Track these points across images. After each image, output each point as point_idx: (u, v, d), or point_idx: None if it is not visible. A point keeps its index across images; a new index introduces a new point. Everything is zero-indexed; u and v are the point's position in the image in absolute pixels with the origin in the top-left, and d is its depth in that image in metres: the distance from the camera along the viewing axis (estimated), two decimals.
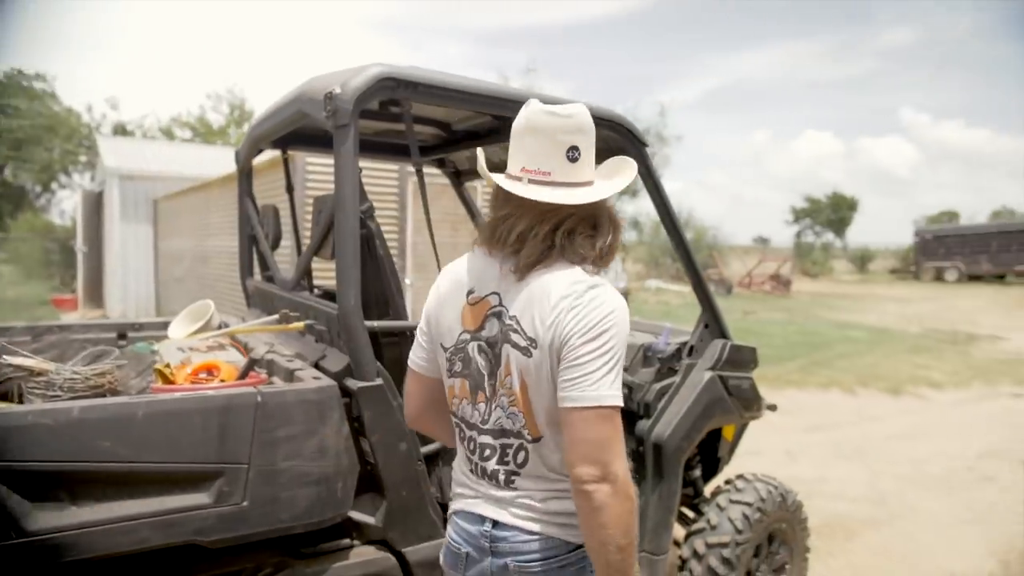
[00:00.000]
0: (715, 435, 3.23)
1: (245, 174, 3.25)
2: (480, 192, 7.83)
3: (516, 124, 1.51)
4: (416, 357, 1.68)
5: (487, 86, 2.26)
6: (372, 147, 3.30)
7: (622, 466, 1.39)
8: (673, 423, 2.75)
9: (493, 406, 1.54)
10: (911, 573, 3.96)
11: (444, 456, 2.26)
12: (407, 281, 7.51)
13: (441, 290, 1.64)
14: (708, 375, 2.86)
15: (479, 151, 1.69)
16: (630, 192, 23.16)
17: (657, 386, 2.87)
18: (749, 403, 3.03)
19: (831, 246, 51.93)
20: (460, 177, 3.66)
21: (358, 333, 2.05)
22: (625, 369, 2.96)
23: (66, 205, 32.14)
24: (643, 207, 29.40)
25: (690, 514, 3.20)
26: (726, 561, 2.81)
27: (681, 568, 2.91)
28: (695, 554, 2.87)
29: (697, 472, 3.22)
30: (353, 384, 2.06)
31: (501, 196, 1.54)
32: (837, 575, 3.91)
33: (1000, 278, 30.26)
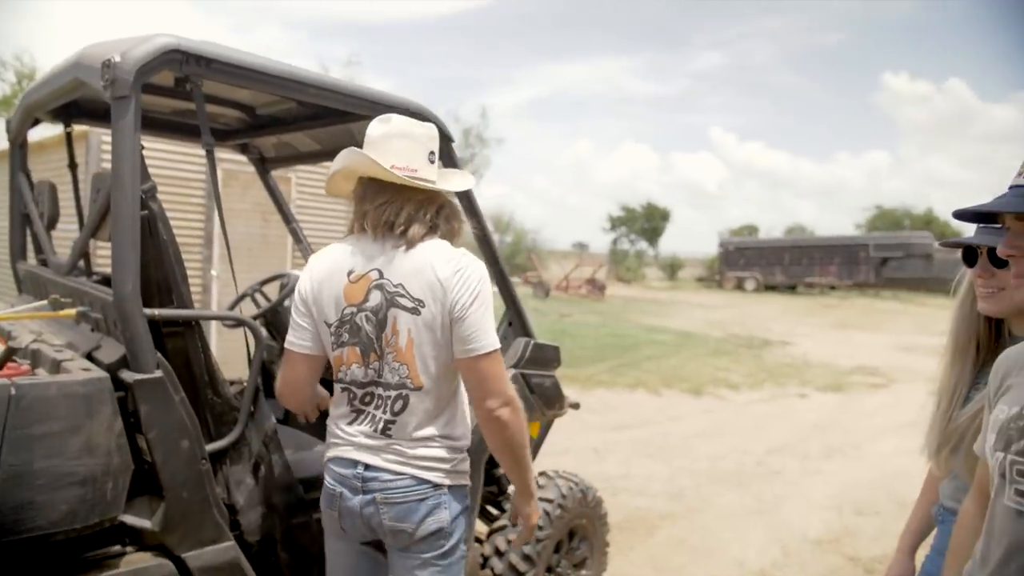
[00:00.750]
0: None
1: (18, 146, 2.92)
2: (294, 183, 7.56)
3: (383, 129, 1.86)
4: (299, 340, 1.92)
5: (287, 69, 2.16)
6: (168, 127, 3.08)
7: (512, 388, 1.82)
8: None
9: (382, 364, 1.83)
10: (706, 564, 4.26)
11: (232, 454, 2.14)
12: (213, 272, 7.09)
13: (315, 275, 1.90)
14: (511, 373, 2.92)
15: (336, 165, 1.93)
16: None
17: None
18: (552, 401, 3.11)
19: (644, 254, 55.19)
20: (265, 165, 3.50)
21: (135, 321, 1.89)
22: None
23: None
24: None
25: (494, 511, 3.25)
26: (527, 558, 2.88)
27: (483, 566, 2.94)
28: (497, 551, 2.91)
29: (501, 470, 3.27)
30: (129, 376, 1.90)
31: (374, 187, 1.85)
32: (638, 568, 4.13)
33: (792, 288, 33.54)
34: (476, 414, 1.86)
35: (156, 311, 1.96)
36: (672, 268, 44.38)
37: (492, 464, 3.20)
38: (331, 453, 1.93)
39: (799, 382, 10.50)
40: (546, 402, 3.08)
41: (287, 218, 3.64)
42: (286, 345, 1.91)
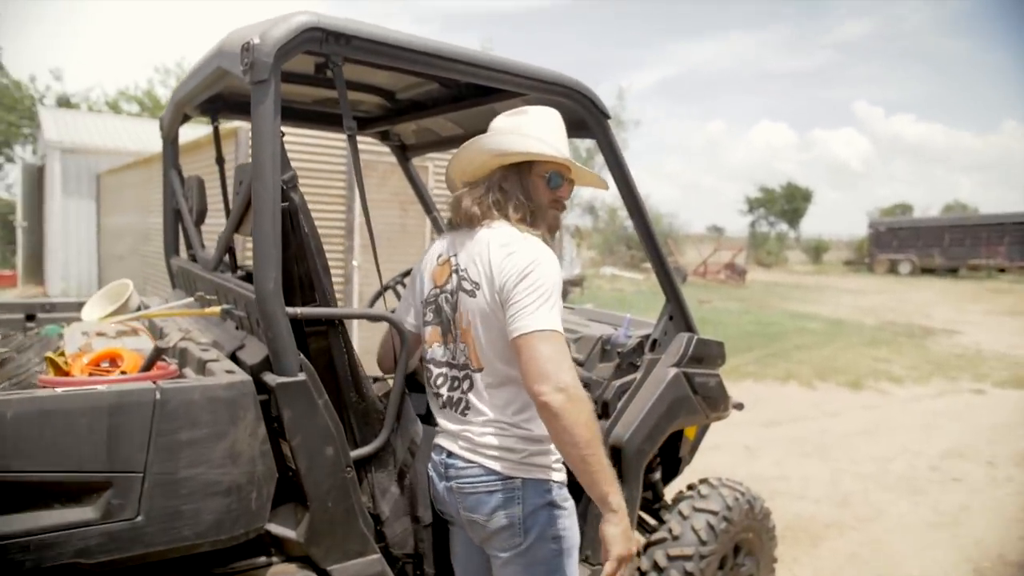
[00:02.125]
0: (676, 434, 3.02)
1: (170, 143, 2.93)
2: (431, 172, 7.52)
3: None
4: (401, 312, 2.13)
5: (434, 44, 1.99)
6: (311, 116, 3.01)
7: (569, 375, 1.65)
8: (634, 424, 2.53)
9: (456, 345, 1.90)
10: None
11: (376, 461, 2.00)
12: (355, 263, 7.16)
13: (424, 258, 2.09)
14: (672, 372, 2.64)
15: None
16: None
17: (617, 383, 2.64)
18: (716, 402, 2.81)
19: (785, 236, 52.61)
20: (406, 152, 3.38)
21: (277, 321, 1.78)
22: (581, 364, 2.73)
23: (9, 179, 30.88)
24: (598, 193, 29.26)
25: (650, 521, 2.98)
26: (689, 575, 2.61)
27: None
28: (656, 566, 2.66)
29: (657, 475, 3.01)
30: (272, 379, 1.79)
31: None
32: None
33: (953, 272, 30.88)
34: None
35: (299, 310, 1.84)
36: (816, 251, 42.03)
37: (648, 469, 2.95)
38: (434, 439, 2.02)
39: (973, 376, 9.49)
40: (710, 404, 2.78)
41: (428, 207, 3.52)
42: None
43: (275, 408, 1.81)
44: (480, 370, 1.85)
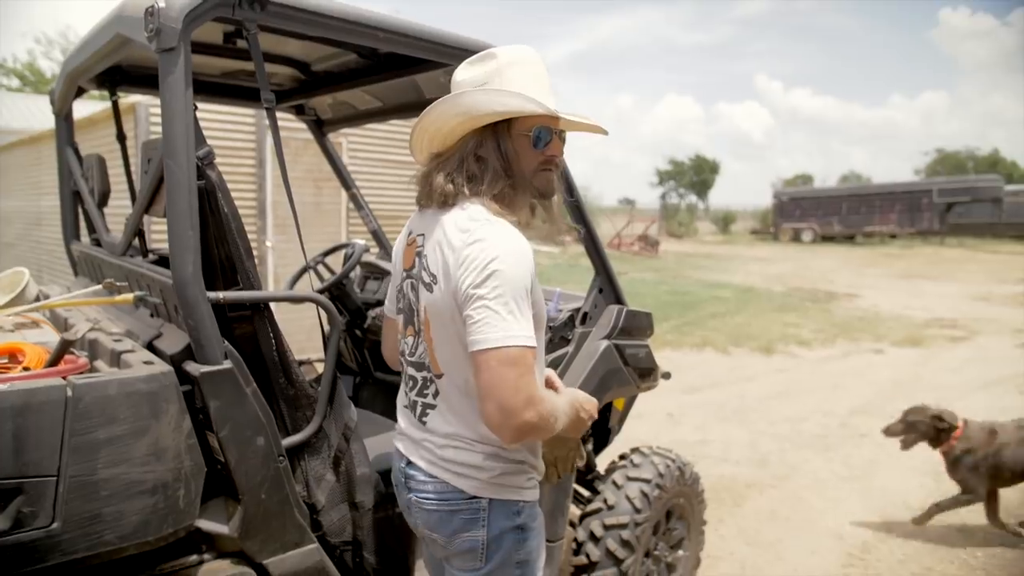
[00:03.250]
0: (607, 406, 3.05)
1: (63, 119, 2.72)
2: (345, 148, 7.32)
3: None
4: (388, 304, 1.87)
5: (354, 10, 1.89)
6: (219, 90, 2.85)
7: (532, 412, 1.40)
8: None
9: (418, 341, 1.64)
10: (802, 536, 3.99)
11: (309, 448, 1.93)
12: (268, 244, 6.91)
13: (401, 233, 1.80)
14: (604, 344, 2.65)
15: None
16: None
17: (549, 357, 2.63)
18: (646, 373, 2.84)
19: (695, 208, 54.08)
20: (323, 127, 3.25)
21: (199, 306, 1.67)
22: None
23: None
24: None
25: (584, 492, 3.00)
26: (625, 543, 2.64)
27: (576, 552, 2.72)
28: (592, 536, 2.68)
29: (589, 446, 3.03)
30: (195, 369, 1.69)
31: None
32: (729, 543, 3.88)
33: (850, 239, 32.45)
34: None
35: (221, 294, 1.73)
36: (725, 221, 43.33)
37: (582, 440, 2.96)
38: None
39: (873, 337, 10.01)
40: (641, 374, 2.81)
41: (347, 184, 3.41)
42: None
43: (200, 399, 1.71)
44: (439, 376, 1.60)
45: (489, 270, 1.41)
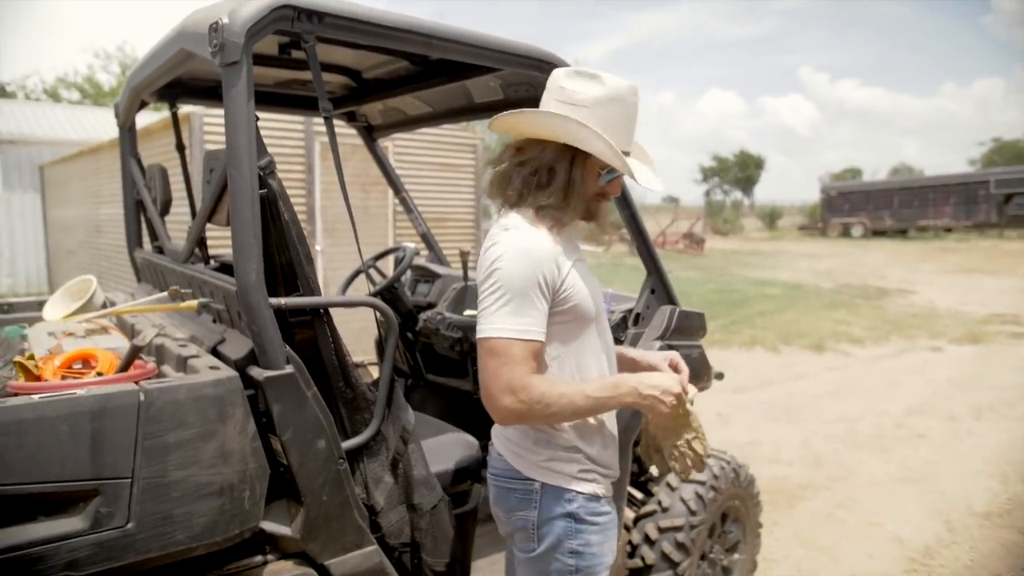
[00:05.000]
0: None
1: (127, 131, 2.81)
2: (392, 151, 7.40)
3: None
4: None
5: (407, 20, 1.92)
6: (273, 99, 2.91)
7: (509, 398, 1.52)
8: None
9: None
10: (859, 540, 3.90)
11: (368, 451, 1.96)
12: (317, 247, 7.03)
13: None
14: (657, 345, 2.64)
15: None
16: None
17: None
18: (700, 374, 2.81)
19: (740, 204, 53.30)
20: (373, 133, 3.30)
21: (262, 312, 1.72)
22: None
23: None
24: None
25: (638, 495, 2.99)
26: (680, 546, 2.62)
27: (631, 555, 2.70)
28: (647, 539, 2.67)
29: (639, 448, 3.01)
30: (259, 373, 1.73)
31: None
32: (784, 546, 3.82)
33: (902, 233, 31.64)
34: None
35: (283, 300, 1.77)
36: (771, 217, 42.66)
37: (634, 443, 2.95)
38: None
39: (929, 334, 9.74)
40: (694, 375, 2.77)
41: (396, 188, 3.45)
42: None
43: (263, 403, 1.75)
44: None
45: (492, 268, 1.56)
